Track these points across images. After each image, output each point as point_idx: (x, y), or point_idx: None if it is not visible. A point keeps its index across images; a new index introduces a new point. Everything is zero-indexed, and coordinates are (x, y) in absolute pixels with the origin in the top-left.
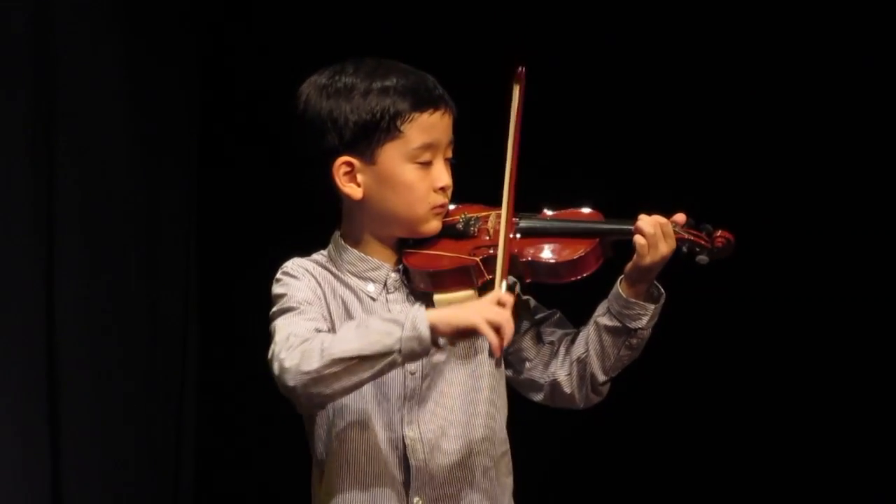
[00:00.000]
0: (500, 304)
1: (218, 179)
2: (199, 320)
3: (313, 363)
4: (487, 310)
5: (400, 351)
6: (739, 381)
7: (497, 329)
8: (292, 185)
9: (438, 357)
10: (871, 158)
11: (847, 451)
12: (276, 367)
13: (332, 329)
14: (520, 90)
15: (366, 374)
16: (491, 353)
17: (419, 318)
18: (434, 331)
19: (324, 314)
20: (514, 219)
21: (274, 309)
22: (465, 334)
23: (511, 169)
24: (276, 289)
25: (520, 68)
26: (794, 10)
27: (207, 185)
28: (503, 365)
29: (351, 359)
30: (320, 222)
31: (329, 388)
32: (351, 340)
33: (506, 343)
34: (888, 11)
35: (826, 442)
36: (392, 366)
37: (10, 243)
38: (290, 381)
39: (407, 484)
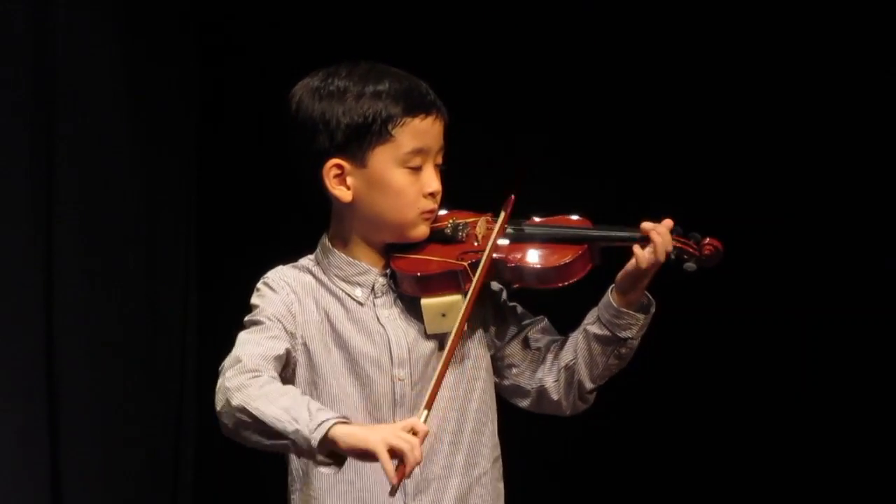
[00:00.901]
0: (414, 432)
1: (217, 179)
2: (199, 319)
3: (237, 399)
4: (394, 436)
5: (293, 442)
6: (729, 388)
7: (400, 457)
8: (291, 185)
9: (324, 470)
10: (862, 163)
11: (840, 458)
12: (218, 382)
13: (292, 346)
14: (505, 216)
15: (264, 441)
16: (391, 483)
17: (323, 426)
18: (332, 443)
19: (291, 331)
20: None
21: (246, 318)
22: (363, 456)
23: (479, 276)
24: (253, 299)
25: (510, 196)
26: (784, 15)
27: (207, 184)
28: (492, 370)
29: (257, 420)
30: (319, 222)
31: (239, 433)
32: (271, 404)
33: (406, 475)
34: (879, 12)
35: (817, 451)
36: (285, 449)
37: (9, 242)
38: (218, 402)
39: (403, 491)
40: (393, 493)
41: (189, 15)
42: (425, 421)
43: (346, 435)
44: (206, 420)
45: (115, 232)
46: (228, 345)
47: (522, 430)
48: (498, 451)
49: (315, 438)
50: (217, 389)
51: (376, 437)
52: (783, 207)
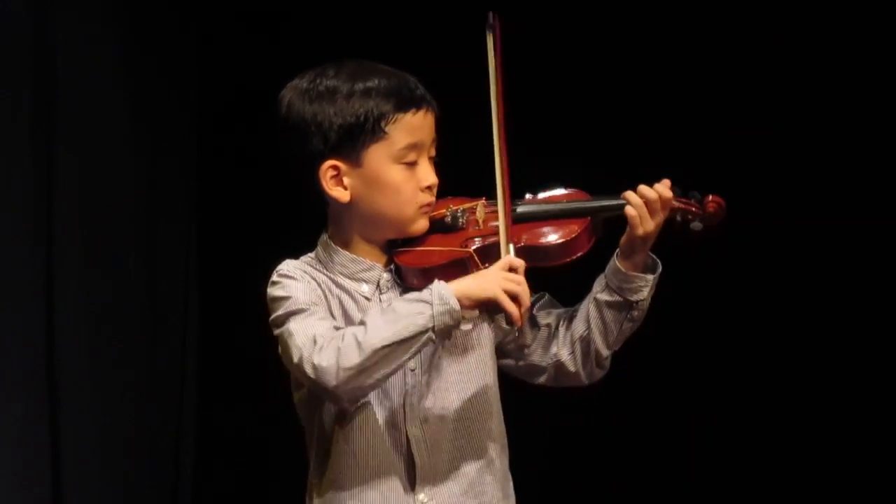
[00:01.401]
0: (512, 269)
1: (217, 178)
2: (199, 319)
3: (354, 358)
4: (504, 279)
5: (433, 328)
6: (735, 374)
7: (514, 298)
8: (291, 184)
9: (465, 327)
10: (868, 149)
11: (845, 447)
12: (309, 370)
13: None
14: (495, 38)
15: (405, 357)
16: (510, 323)
17: (445, 293)
18: (458, 303)
19: (328, 312)
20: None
21: (279, 312)
22: (485, 306)
23: (499, 127)
24: (276, 291)
25: (491, 15)
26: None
27: (207, 183)
28: (502, 355)
29: (390, 345)
30: (319, 222)
31: (372, 378)
32: (383, 328)
33: (524, 310)
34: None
35: (824, 439)
36: (426, 344)
37: (10, 242)
38: (332, 380)
39: (412, 479)
40: (521, 334)
41: (188, 15)
42: (514, 254)
43: (466, 292)
44: (205, 418)
45: (115, 232)
46: (228, 345)
47: (530, 418)
48: (505, 440)
49: (454, 308)
50: (315, 378)
51: (492, 286)
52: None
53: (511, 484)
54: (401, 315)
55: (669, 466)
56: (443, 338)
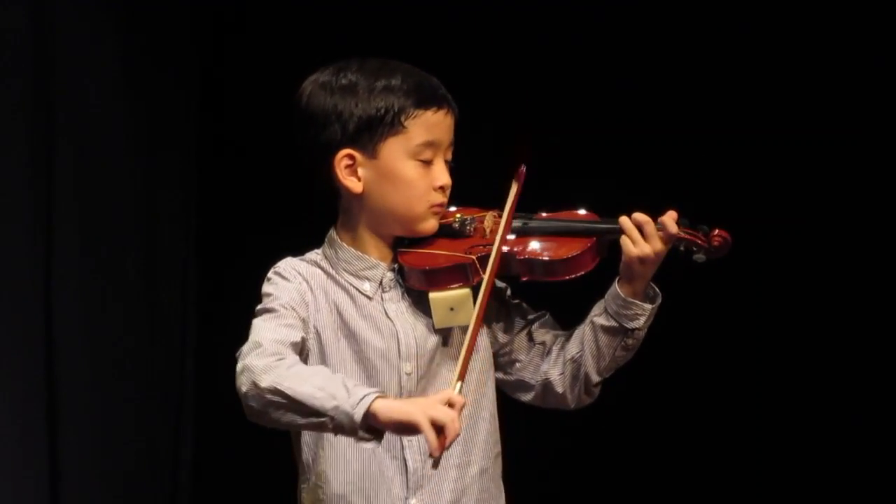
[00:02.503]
0: (451, 404)
1: (217, 178)
2: (198, 319)
3: (266, 381)
4: (433, 408)
5: (332, 419)
6: (734, 383)
7: (440, 429)
8: (291, 184)
9: (367, 445)
10: (868, 156)
11: (843, 453)
12: (238, 366)
13: (306, 334)
14: (518, 187)
15: (299, 420)
16: (430, 454)
17: (364, 401)
18: (373, 418)
19: (304, 318)
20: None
21: (259, 306)
22: (404, 430)
23: (495, 256)
24: (266, 287)
25: (522, 167)
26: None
27: (206, 184)
28: (495, 366)
29: (291, 399)
30: (319, 222)
31: (266, 411)
32: (306, 383)
33: (447, 445)
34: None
35: (820, 445)
36: (322, 427)
37: (8, 242)
38: (242, 385)
39: (405, 486)
40: (436, 465)
41: (187, 13)
42: (459, 392)
43: (388, 409)
44: (204, 419)
45: (114, 231)
46: (227, 344)
47: (524, 427)
48: (499, 448)
49: (358, 414)
50: (239, 373)
51: (417, 410)
52: (792, 199)
53: (503, 494)
54: (327, 385)
55: (664, 481)
56: (338, 433)
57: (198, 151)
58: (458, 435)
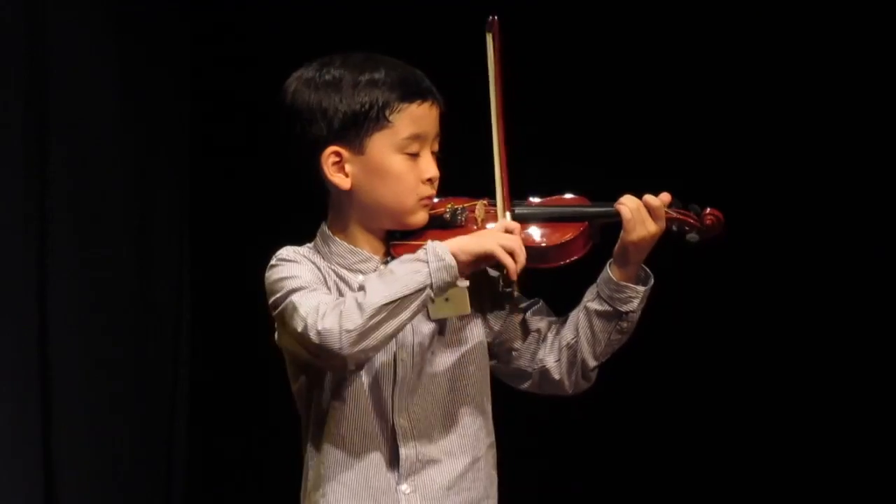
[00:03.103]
0: (508, 230)
1: (210, 176)
2: (192, 316)
3: (356, 319)
4: (500, 236)
5: (432, 285)
6: (729, 373)
7: (511, 254)
8: (285, 181)
9: (462, 283)
10: (864, 148)
11: (836, 444)
12: (314, 336)
13: None
14: (494, 40)
15: (406, 316)
16: (507, 283)
17: (440, 250)
18: (454, 259)
19: (329, 292)
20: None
21: (281, 292)
22: (482, 261)
23: (498, 120)
24: (277, 273)
25: (491, 17)
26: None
27: (200, 181)
28: (490, 356)
29: (390, 303)
30: (312, 218)
31: (375, 338)
32: (383, 289)
33: (520, 268)
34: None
35: (813, 433)
36: (426, 301)
37: (2, 242)
38: (336, 343)
39: (397, 472)
40: (516, 290)
41: (181, 12)
42: (512, 219)
43: (462, 247)
44: (198, 416)
45: (107, 229)
46: (222, 342)
47: (518, 418)
48: (493, 438)
49: (450, 263)
50: (322, 339)
51: (489, 240)
52: (788, 187)
53: (496, 483)
54: (398, 275)
55: (658, 470)
56: (440, 294)
57: (190, 148)
58: (526, 258)
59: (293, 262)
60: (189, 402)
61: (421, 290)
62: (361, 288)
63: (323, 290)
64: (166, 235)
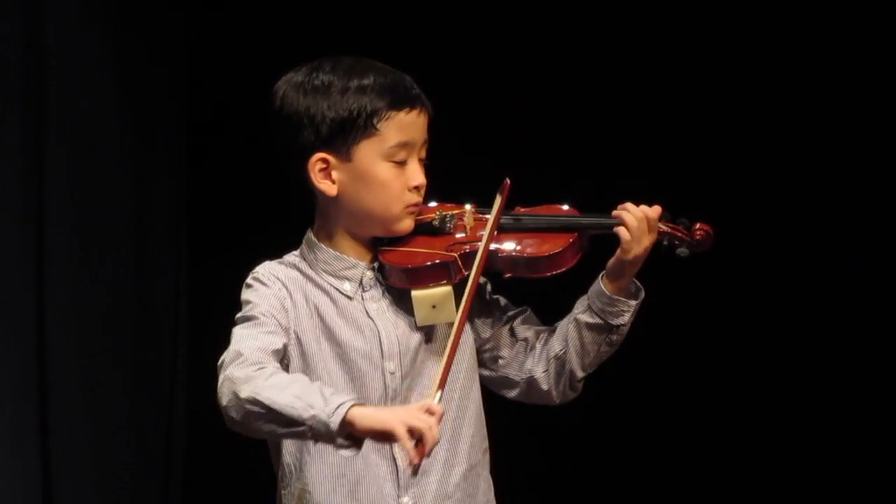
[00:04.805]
0: (429, 412)
1: (207, 173)
2: (189, 316)
3: (245, 391)
4: (411, 417)
5: (310, 428)
6: (720, 378)
7: (419, 438)
8: (282, 182)
9: (345, 453)
10: (855, 151)
11: (830, 456)
12: (220, 377)
13: (287, 340)
14: (502, 200)
15: (278, 430)
16: (409, 463)
17: (340, 409)
18: (350, 426)
19: (284, 325)
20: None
21: (238, 314)
22: (381, 438)
23: (479, 263)
24: (245, 294)
25: (506, 181)
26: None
27: (197, 180)
28: (479, 363)
29: (269, 409)
30: (309, 219)
31: (246, 422)
32: (284, 392)
33: (426, 454)
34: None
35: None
36: (302, 436)
37: (0, 240)
38: (223, 398)
39: (396, 484)
40: (415, 472)
41: (178, 11)
42: (439, 402)
43: (364, 417)
44: (196, 415)
45: (104, 228)
46: (219, 342)
47: (511, 423)
48: (486, 444)
49: (334, 422)
50: (220, 384)
51: (395, 418)
52: (775, 194)
53: (492, 488)
54: (305, 395)
55: (652, 474)
56: (317, 441)
57: (188, 147)
58: (436, 443)
59: (263, 284)
60: (186, 402)
61: (298, 423)
62: (286, 373)
63: (272, 324)
64: (164, 236)
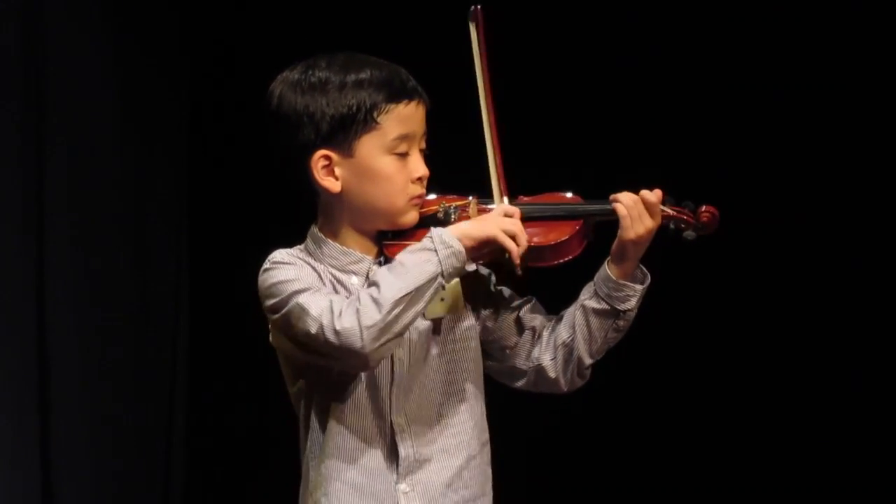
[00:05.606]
0: (508, 215)
1: (208, 172)
2: (190, 313)
3: (374, 315)
4: (501, 220)
5: (443, 272)
6: (725, 371)
7: (513, 237)
8: (281, 181)
9: (470, 267)
10: (860, 144)
11: (834, 448)
12: (331, 336)
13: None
14: (478, 30)
15: (421, 305)
16: (511, 267)
17: (447, 237)
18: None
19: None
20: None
21: (281, 295)
22: (485, 245)
23: (488, 108)
24: (274, 276)
25: (474, 7)
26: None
27: (197, 177)
28: (484, 354)
29: (405, 296)
30: (310, 218)
31: (395, 332)
32: (395, 282)
33: (522, 252)
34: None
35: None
36: (439, 288)
37: (0, 239)
38: (357, 341)
39: (396, 471)
40: (524, 273)
41: (178, 9)
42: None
43: (465, 234)
44: (196, 414)
45: (105, 226)
46: (219, 341)
47: (511, 415)
48: (487, 436)
49: (459, 250)
50: (342, 339)
51: (491, 225)
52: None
53: (490, 480)
54: (409, 266)
55: (653, 466)
56: (451, 279)
57: (188, 145)
58: (529, 242)
59: (289, 264)
60: (188, 399)
61: (433, 279)
62: (373, 283)
63: (326, 290)
64: (164, 236)
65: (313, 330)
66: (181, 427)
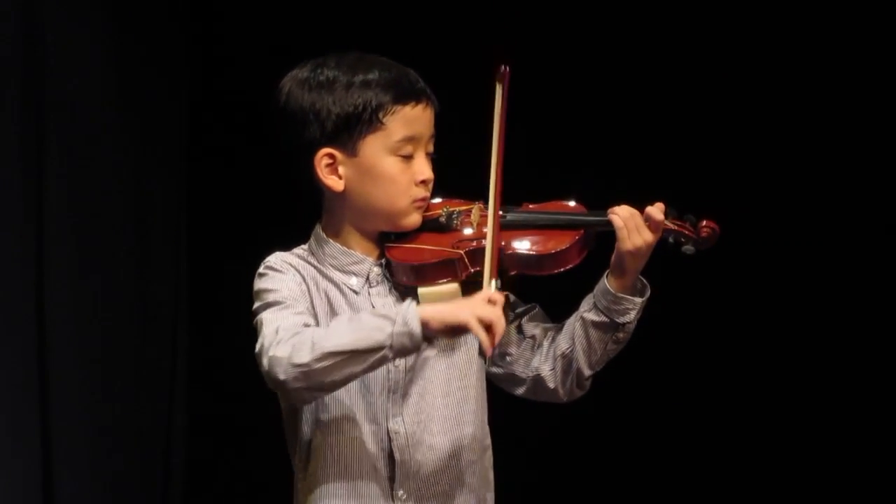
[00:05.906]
0: (491, 302)
1: (207, 172)
2: (190, 314)
3: (304, 356)
4: (478, 307)
5: (391, 346)
6: (724, 381)
7: (488, 327)
8: (282, 178)
9: (428, 352)
10: (858, 149)
11: (831, 457)
12: (265, 361)
13: (317, 324)
14: (503, 89)
15: (357, 369)
16: (481, 352)
17: (410, 315)
18: (425, 327)
19: (309, 309)
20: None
21: (258, 304)
22: (455, 331)
23: (496, 169)
24: (261, 283)
25: (503, 67)
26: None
27: (197, 178)
28: (484, 359)
29: (342, 353)
30: (310, 215)
31: (319, 381)
32: (343, 335)
33: (496, 341)
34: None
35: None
36: (382, 361)
37: (0, 240)
38: (281, 374)
39: (392, 477)
40: (488, 361)
41: (177, 7)
42: (495, 290)
43: (436, 315)
44: (196, 413)
45: (104, 225)
46: (219, 341)
47: (512, 420)
48: (488, 441)
49: (416, 328)
50: (268, 368)
51: (465, 311)
52: (780, 193)
53: (492, 486)
54: (363, 326)
55: (654, 473)
56: (399, 357)
57: (188, 144)
58: (504, 330)
59: (278, 272)
60: (187, 400)
61: (378, 349)
62: (331, 325)
63: (299, 306)
64: (163, 235)
65: (257, 348)
66: (181, 427)
